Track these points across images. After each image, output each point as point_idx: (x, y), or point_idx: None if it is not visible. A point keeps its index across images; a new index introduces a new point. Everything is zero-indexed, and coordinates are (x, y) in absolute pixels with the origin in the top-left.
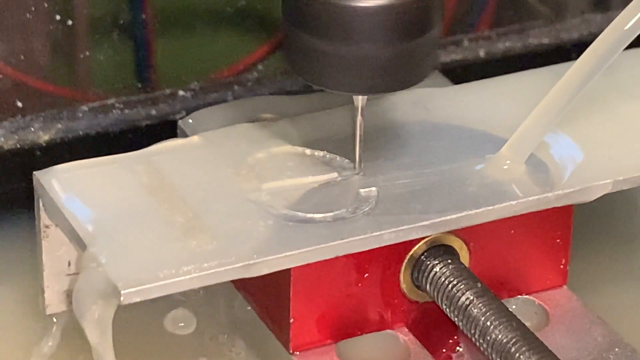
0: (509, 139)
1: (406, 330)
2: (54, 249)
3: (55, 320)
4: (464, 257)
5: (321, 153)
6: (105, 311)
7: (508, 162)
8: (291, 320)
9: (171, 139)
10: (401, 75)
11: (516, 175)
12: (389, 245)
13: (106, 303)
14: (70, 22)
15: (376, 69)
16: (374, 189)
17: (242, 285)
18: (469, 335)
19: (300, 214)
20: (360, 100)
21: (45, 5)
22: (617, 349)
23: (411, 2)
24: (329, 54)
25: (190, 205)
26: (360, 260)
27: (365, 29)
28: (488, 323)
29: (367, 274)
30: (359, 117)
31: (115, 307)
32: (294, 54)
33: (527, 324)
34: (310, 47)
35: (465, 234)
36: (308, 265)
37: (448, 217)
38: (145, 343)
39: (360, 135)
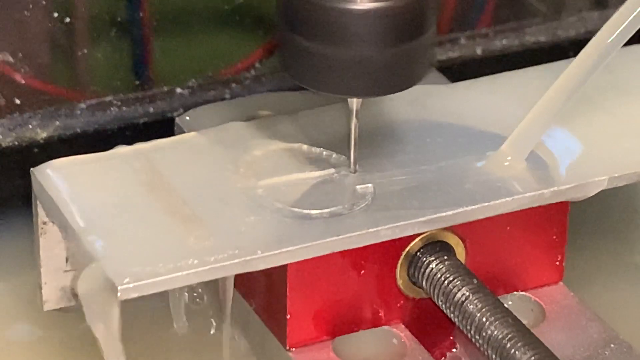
0: (510, 136)
1: (402, 326)
2: (52, 245)
3: None
4: (460, 253)
5: (318, 150)
6: (107, 307)
7: (509, 158)
8: (288, 317)
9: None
10: (396, 78)
11: (516, 172)
12: (386, 242)
13: (105, 299)
14: (68, 20)
15: (371, 72)
16: (370, 185)
17: (239, 281)
18: (465, 331)
19: (297, 210)
20: (355, 103)
21: (43, 2)
22: (612, 345)
23: (405, 4)
24: (324, 57)
25: (188, 201)
26: (357, 257)
27: (360, 31)
28: (484, 319)
29: (363, 271)
30: (354, 120)
31: (117, 303)
32: (288, 57)
33: (523, 320)
34: (305, 50)
35: (462, 230)
36: (305, 261)
37: (444, 214)
38: (143, 340)
39: (355, 138)
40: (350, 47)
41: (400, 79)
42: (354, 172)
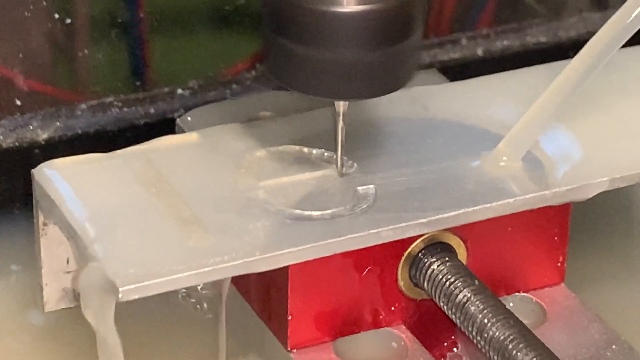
0: (506, 135)
1: (404, 327)
2: (53, 246)
3: None
4: (462, 254)
5: (319, 151)
6: (106, 307)
7: (505, 158)
8: (289, 318)
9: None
10: (382, 81)
11: (512, 172)
12: (387, 243)
13: (105, 300)
14: (68, 21)
15: (357, 75)
16: (371, 186)
17: (240, 282)
18: (466, 332)
19: (298, 211)
20: (341, 105)
21: (44, 3)
22: (614, 347)
23: (392, 7)
24: (310, 60)
25: (189, 202)
26: (358, 258)
27: (346, 34)
28: (485, 320)
29: (364, 272)
30: (341, 123)
31: (113, 303)
32: (274, 60)
33: (525, 321)
34: (291, 53)
35: (463, 231)
36: (306, 262)
37: (445, 215)
38: (143, 341)
39: (342, 141)
40: (335, 50)
41: (386, 81)
42: (341, 176)
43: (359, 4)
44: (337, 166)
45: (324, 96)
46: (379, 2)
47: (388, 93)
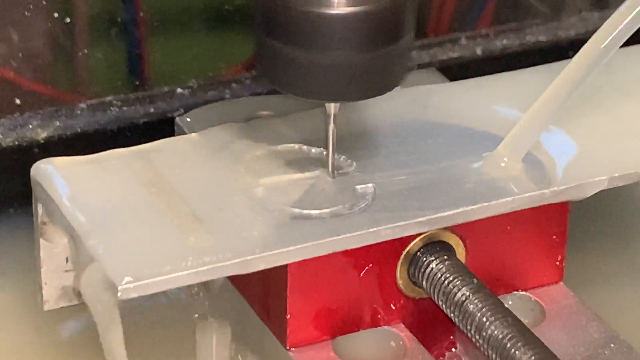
0: (506, 137)
1: (403, 326)
2: (52, 245)
3: None
4: (461, 253)
5: (318, 150)
6: (108, 305)
7: (505, 159)
8: (288, 316)
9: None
10: (374, 83)
11: (513, 172)
12: (386, 242)
13: (106, 298)
14: (68, 20)
15: (348, 77)
16: (370, 185)
17: (239, 281)
18: (465, 331)
19: (297, 210)
20: (332, 107)
21: (44, 3)
22: (612, 345)
23: (383, 9)
24: (301, 62)
25: (188, 201)
26: (357, 257)
27: (337, 36)
28: (484, 319)
29: (363, 270)
30: (332, 125)
31: (114, 302)
32: (265, 61)
33: (523, 320)
34: (282, 55)
35: (462, 230)
36: (305, 261)
37: (444, 214)
38: (142, 340)
39: (333, 143)
40: (327, 52)
41: (377, 83)
42: (333, 178)
43: (350, 6)
44: (328, 168)
45: (314, 98)
46: (369, 4)
47: (378, 95)
